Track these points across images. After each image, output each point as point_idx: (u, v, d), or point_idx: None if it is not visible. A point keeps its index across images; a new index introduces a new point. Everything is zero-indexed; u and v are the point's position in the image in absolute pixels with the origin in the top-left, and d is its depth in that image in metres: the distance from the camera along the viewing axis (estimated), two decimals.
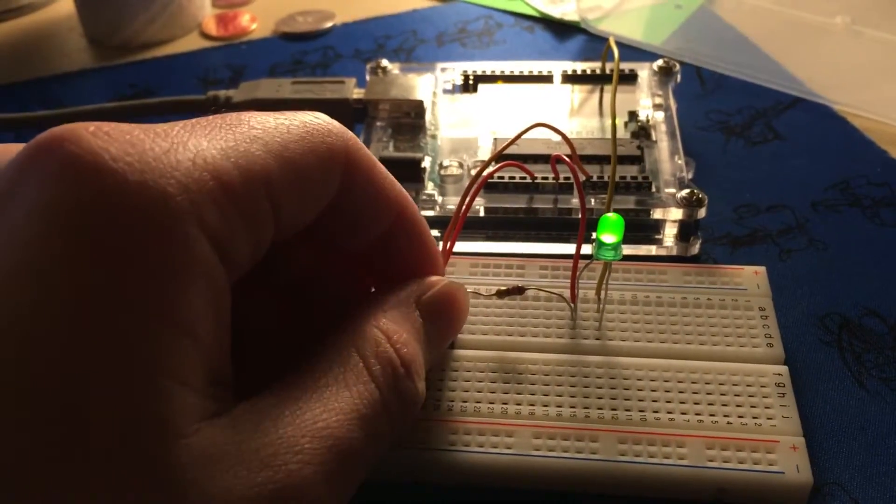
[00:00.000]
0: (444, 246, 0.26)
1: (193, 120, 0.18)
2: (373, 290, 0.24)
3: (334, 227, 0.21)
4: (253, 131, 0.18)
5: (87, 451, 0.14)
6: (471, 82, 0.36)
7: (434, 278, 0.22)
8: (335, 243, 0.22)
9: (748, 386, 0.24)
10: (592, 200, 0.29)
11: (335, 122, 0.20)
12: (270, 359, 0.21)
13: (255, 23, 0.47)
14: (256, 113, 0.19)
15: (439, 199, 0.30)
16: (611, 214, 0.24)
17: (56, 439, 0.14)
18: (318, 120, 0.19)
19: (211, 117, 0.18)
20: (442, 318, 0.22)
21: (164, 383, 0.15)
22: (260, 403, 0.17)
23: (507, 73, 0.36)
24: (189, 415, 0.15)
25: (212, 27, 0.47)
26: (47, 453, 0.14)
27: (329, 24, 0.47)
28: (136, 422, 0.15)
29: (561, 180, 0.30)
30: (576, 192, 0.30)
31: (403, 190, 0.22)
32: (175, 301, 0.15)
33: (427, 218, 0.30)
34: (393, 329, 0.20)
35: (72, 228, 0.15)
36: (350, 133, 0.20)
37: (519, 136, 0.27)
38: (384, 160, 0.31)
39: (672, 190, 0.30)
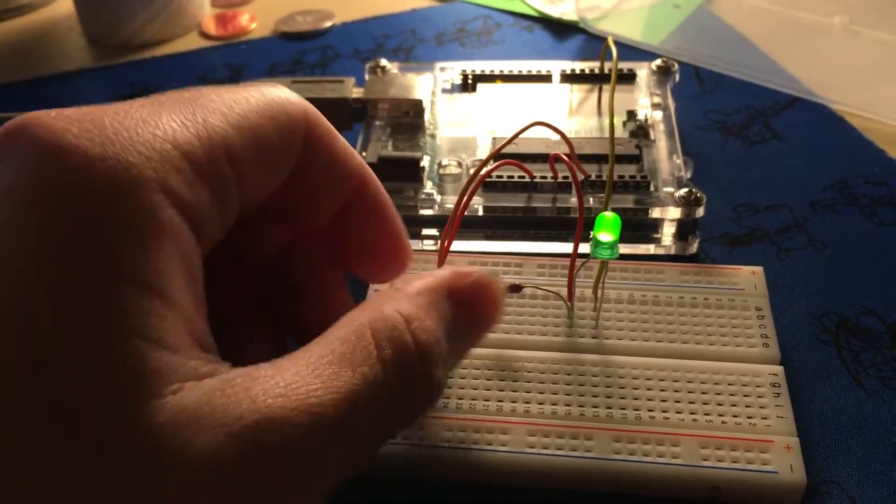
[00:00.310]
0: (442, 244, 0.26)
1: (153, 96, 0.18)
2: (342, 270, 0.24)
3: (296, 196, 0.21)
4: (212, 103, 0.18)
5: (60, 415, 0.15)
6: (470, 82, 0.36)
7: (469, 268, 0.21)
8: (298, 215, 0.22)
9: (743, 386, 0.24)
10: (591, 199, 0.29)
11: (293, 93, 0.20)
12: (258, 332, 0.22)
13: (254, 22, 0.47)
14: (215, 87, 0.19)
15: (438, 198, 0.30)
16: (607, 213, 0.24)
17: (28, 406, 0.14)
18: (277, 90, 0.20)
19: (170, 92, 0.18)
20: (475, 310, 0.21)
21: (136, 343, 0.15)
22: (256, 371, 0.17)
23: (506, 72, 0.36)
24: (166, 375, 0.16)
25: (211, 27, 0.47)
26: (19, 420, 0.14)
27: (328, 24, 0.47)
28: (109, 382, 0.15)
29: (559, 179, 0.30)
30: (574, 191, 0.30)
31: (364, 162, 0.22)
32: (144, 264, 0.16)
33: (426, 217, 0.30)
34: (415, 314, 0.19)
35: (40, 204, 0.15)
36: (308, 103, 0.20)
37: (518, 135, 0.27)
38: (383, 159, 0.31)
39: (670, 189, 0.30)
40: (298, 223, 0.22)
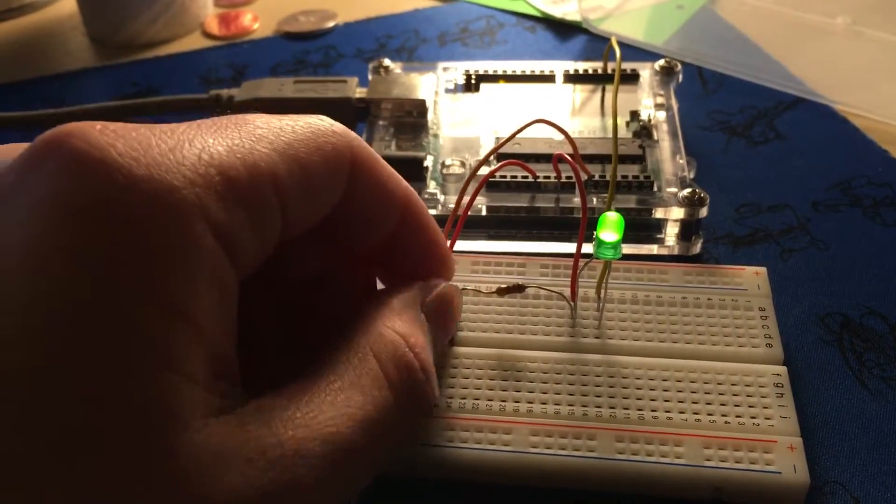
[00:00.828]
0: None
1: (199, 121, 0.18)
2: (380, 287, 0.24)
3: (343, 226, 0.21)
4: (258, 130, 0.18)
5: (92, 445, 0.14)
6: (473, 82, 0.36)
7: (434, 281, 0.23)
8: (344, 243, 0.22)
9: (747, 386, 0.24)
10: (594, 199, 0.29)
11: (339, 124, 0.20)
12: (280, 359, 0.22)
13: (256, 22, 0.47)
14: (261, 115, 0.19)
15: (441, 197, 0.30)
16: (611, 213, 0.24)
17: (60, 434, 0.14)
18: (323, 121, 0.20)
19: (216, 118, 0.18)
20: (441, 321, 0.22)
21: (169, 376, 0.15)
22: (270, 402, 0.17)
23: (509, 72, 0.36)
24: (196, 409, 0.15)
25: (214, 27, 0.47)
26: (51, 448, 0.14)
27: (331, 24, 0.47)
28: (142, 414, 0.15)
29: (563, 179, 0.30)
30: (578, 191, 0.30)
31: (409, 185, 0.22)
32: (179, 294, 0.15)
33: None
34: (409, 332, 0.20)
35: (78, 221, 0.15)
36: (354, 133, 0.20)
37: (518, 132, 0.27)
38: (386, 159, 0.31)
39: (674, 189, 0.30)
40: (344, 248, 0.22)
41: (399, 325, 0.20)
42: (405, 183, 0.22)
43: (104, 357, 0.15)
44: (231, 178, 0.17)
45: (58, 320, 0.15)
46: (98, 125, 0.16)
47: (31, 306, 0.15)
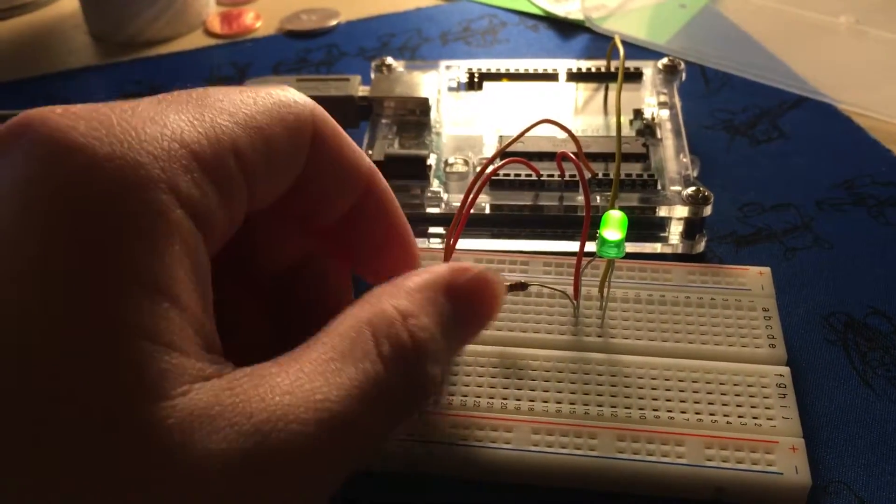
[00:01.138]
0: (448, 242, 0.26)
1: (160, 95, 0.18)
2: (351, 269, 0.24)
3: (304, 197, 0.21)
4: (219, 104, 0.18)
5: (69, 420, 0.14)
6: (476, 80, 0.36)
7: (467, 264, 0.22)
8: (306, 216, 0.22)
9: (749, 386, 0.24)
10: (598, 198, 0.29)
11: (301, 94, 0.20)
12: (258, 345, 0.21)
13: (259, 21, 0.47)
14: (222, 87, 0.19)
15: (444, 196, 0.30)
16: (614, 211, 0.24)
17: (34, 407, 0.14)
18: (284, 91, 0.20)
19: (177, 92, 0.18)
20: (474, 307, 0.21)
21: (144, 345, 0.15)
22: (261, 370, 0.17)
23: (512, 70, 0.36)
24: (175, 376, 0.15)
25: (216, 25, 0.47)
26: (24, 422, 0.14)
27: (333, 23, 0.47)
28: (116, 384, 0.15)
29: (566, 178, 0.30)
30: (581, 189, 0.30)
31: (372, 163, 0.22)
32: (151, 265, 0.16)
33: (432, 215, 0.30)
34: (411, 311, 0.19)
35: (45, 203, 0.15)
36: (315, 103, 0.20)
37: (525, 132, 0.26)
38: (390, 157, 0.31)
39: (677, 188, 0.30)
40: (307, 224, 0.22)
41: (403, 304, 0.19)
42: (369, 161, 0.22)
43: (77, 332, 0.15)
44: (194, 151, 0.17)
45: (30, 298, 0.15)
46: (59, 109, 0.16)
47: (5, 286, 0.15)
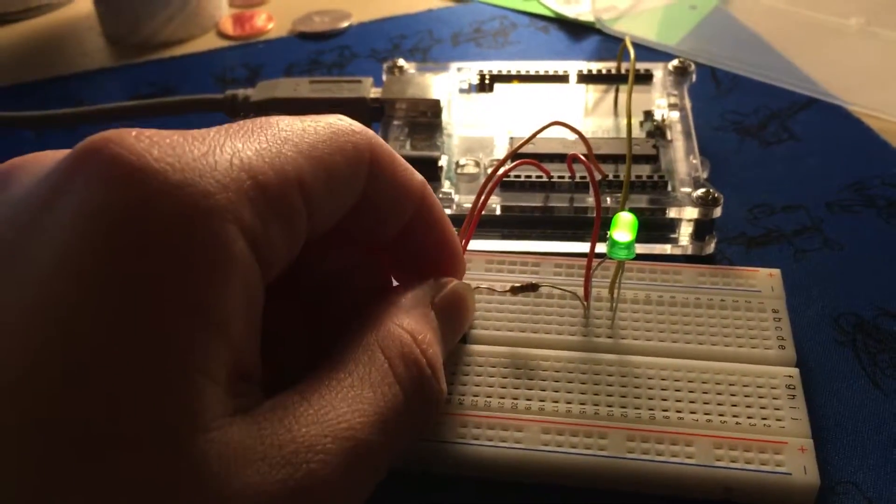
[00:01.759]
0: (459, 243, 0.26)
1: (226, 125, 0.18)
2: (395, 283, 0.24)
3: (360, 220, 0.21)
4: (283, 133, 0.18)
5: (114, 443, 0.15)
6: (487, 82, 0.36)
7: (445, 279, 0.23)
8: (361, 236, 0.22)
9: (758, 387, 0.24)
10: (608, 199, 0.29)
11: (357, 123, 0.20)
12: (295, 355, 0.22)
13: (271, 22, 0.48)
14: (283, 117, 0.19)
15: (456, 197, 0.30)
16: (624, 213, 0.25)
17: (83, 432, 0.15)
18: (342, 121, 0.20)
19: (242, 122, 0.19)
20: (453, 319, 0.23)
21: (194, 378, 0.15)
22: (285, 401, 0.17)
23: (522, 72, 0.36)
24: (215, 410, 0.16)
25: (228, 27, 0.47)
26: (74, 445, 0.14)
27: (345, 24, 0.47)
28: (165, 415, 0.15)
29: (577, 179, 0.30)
30: (591, 190, 0.30)
31: (423, 179, 0.22)
32: (210, 298, 0.16)
33: None
34: (418, 329, 0.20)
35: (115, 225, 0.15)
36: (371, 131, 0.21)
37: (536, 134, 0.27)
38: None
39: (687, 189, 0.30)
40: (362, 243, 0.22)
41: (407, 322, 0.20)
42: (420, 177, 0.22)
43: (131, 358, 0.15)
44: (260, 182, 0.17)
45: (89, 321, 0.15)
46: (134, 132, 0.16)
47: (70, 310, 0.15)
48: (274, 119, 0.19)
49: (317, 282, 0.23)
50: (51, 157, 0.18)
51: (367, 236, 0.22)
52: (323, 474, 0.17)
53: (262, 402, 0.17)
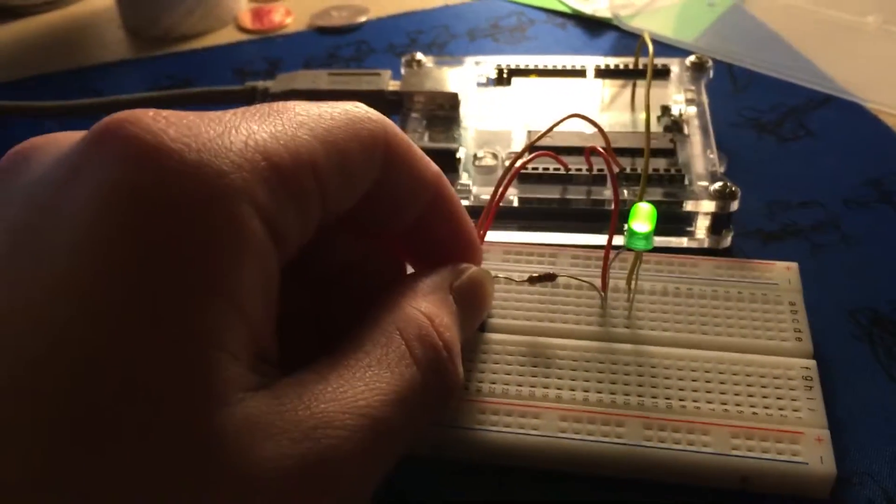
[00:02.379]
0: (477, 234, 0.26)
1: (242, 108, 0.18)
2: (409, 271, 0.24)
3: (375, 208, 0.21)
4: (299, 117, 0.19)
5: (136, 414, 0.15)
6: (505, 76, 0.36)
7: (464, 265, 0.23)
8: (376, 225, 0.22)
9: (775, 378, 0.24)
10: (625, 192, 0.30)
11: (373, 110, 0.20)
12: (309, 339, 0.22)
13: (289, 17, 0.48)
14: (300, 102, 0.19)
15: (474, 189, 0.31)
16: (643, 203, 0.25)
17: (107, 403, 0.15)
18: (359, 108, 0.20)
19: (258, 105, 0.19)
20: (472, 304, 0.23)
21: (211, 353, 0.16)
22: (303, 378, 0.18)
23: (540, 67, 0.36)
24: (234, 384, 0.16)
25: (247, 20, 0.48)
26: (95, 419, 0.15)
27: (363, 19, 0.47)
28: (184, 388, 0.15)
29: (595, 172, 0.30)
30: (609, 183, 0.30)
31: (439, 169, 0.22)
32: (227, 275, 0.16)
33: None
34: (435, 313, 0.20)
35: (133, 204, 0.16)
36: (388, 119, 0.21)
37: (554, 127, 0.27)
38: None
39: (704, 183, 0.30)
40: (377, 231, 0.23)
41: (425, 306, 0.21)
42: (436, 167, 0.22)
43: (149, 334, 0.15)
44: (275, 163, 0.17)
45: (107, 299, 0.15)
46: (151, 112, 0.17)
47: (87, 285, 0.15)
48: (291, 104, 0.19)
49: (331, 267, 0.23)
50: (68, 138, 0.18)
51: (382, 224, 0.22)
52: (341, 450, 0.17)
53: (281, 378, 0.17)
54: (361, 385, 0.18)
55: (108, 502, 0.15)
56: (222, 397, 0.16)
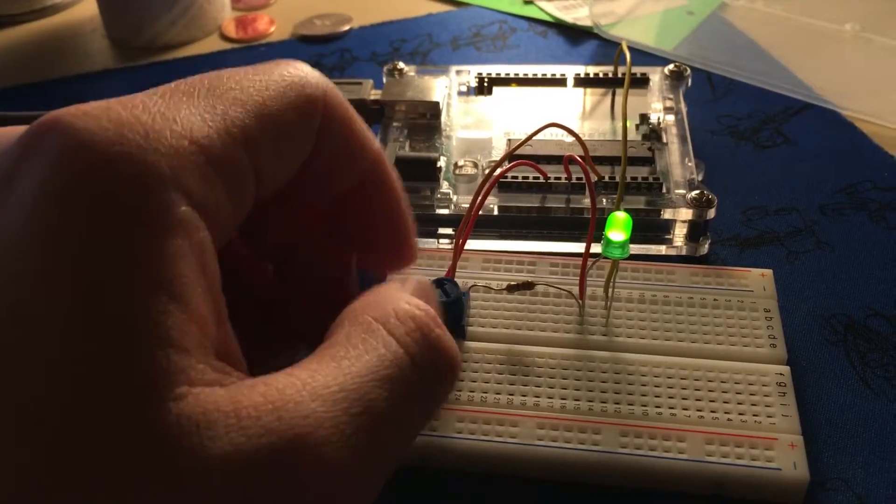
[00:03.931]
0: (457, 243, 0.27)
1: (173, 84, 0.18)
2: (353, 255, 0.23)
3: (308, 176, 0.20)
4: (231, 92, 0.18)
5: (78, 414, 0.15)
6: (485, 85, 0.36)
7: (405, 277, 0.21)
8: (309, 195, 0.21)
9: (750, 384, 0.25)
10: (604, 200, 0.30)
11: (313, 71, 0.20)
12: (262, 325, 0.22)
13: (273, 26, 0.48)
14: (234, 70, 0.19)
15: (454, 197, 0.31)
16: (619, 213, 0.25)
17: (45, 404, 0.15)
18: (296, 70, 0.19)
19: (189, 80, 0.18)
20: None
21: (147, 345, 0.15)
22: (268, 377, 0.17)
23: (521, 75, 0.37)
24: (178, 378, 0.15)
25: (231, 30, 0.48)
26: (34, 421, 0.15)
27: (346, 28, 0.47)
28: (123, 383, 0.15)
29: (573, 180, 0.30)
30: (587, 191, 0.30)
31: (380, 149, 0.22)
32: (157, 263, 0.16)
33: (442, 216, 0.31)
34: (416, 301, 0.19)
35: (58, 203, 0.15)
36: (328, 81, 0.20)
37: (532, 136, 0.27)
38: (400, 160, 0.32)
39: (682, 191, 0.30)
40: (308, 201, 0.22)
41: (406, 297, 0.19)
42: (379, 146, 0.21)
43: (84, 330, 0.15)
44: (204, 146, 0.17)
45: (44, 297, 0.15)
46: (73, 108, 0.16)
47: (22, 284, 0.15)
48: (224, 74, 0.18)
49: (271, 249, 0.23)
50: (7, 134, 0.18)
51: (315, 193, 0.21)
52: (316, 436, 0.16)
53: (244, 378, 0.17)
54: (335, 372, 0.17)
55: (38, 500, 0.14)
56: (164, 391, 0.15)
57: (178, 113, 0.17)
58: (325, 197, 0.22)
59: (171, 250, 0.16)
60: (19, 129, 0.17)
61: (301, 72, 0.19)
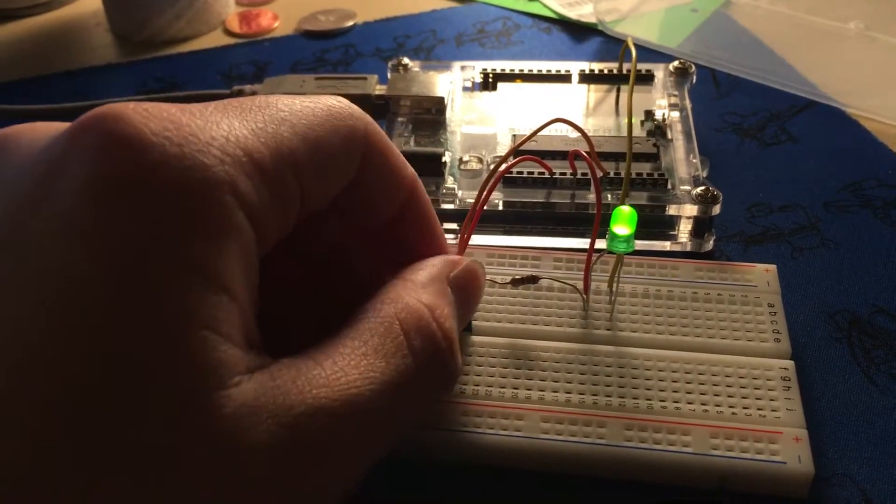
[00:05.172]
0: (462, 238, 0.27)
1: (224, 101, 0.19)
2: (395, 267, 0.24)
3: (352, 204, 0.21)
4: (281, 113, 0.19)
5: (132, 403, 0.15)
6: (490, 80, 0.36)
7: (457, 257, 0.23)
8: (353, 220, 0.22)
9: (754, 379, 0.25)
10: (609, 196, 0.30)
11: (355, 106, 0.21)
12: (302, 326, 0.22)
13: (277, 21, 0.48)
14: (283, 96, 0.20)
15: (459, 192, 0.31)
16: (624, 207, 0.25)
17: (100, 391, 0.15)
18: (341, 103, 0.20)
19: (241, 99, 0.19)
20: (468, 295, 0.23)
21: (205, 335, 0.16)
22: (298, 363, 0.18)
23: (525, 71, 0.37)
24: (230, 367, 0.16)
25: (235, 25, 0.48)
26: (91, 409, 0.15)
27: (350, 23, 0.47)
28: (179, 373, 0.15)
29: (578, 176, 0.30)
30: (593, 187, 0.30)
31: (415, 173, 0.23)
32: (214, 260, 0.16)
33: (447, 211, 0.31)
34: (435, 304, 0.21)
35: (115, 196, 0.16)
36: (368, 116, 0.21)
37: (538, 131, 0.27)
38: (406, 154, 0.31)
39: (687, 187, 0.30)
40: (352, 226, 0.23)
41: (425, 297, 0.21)
42: (412, 170, 0.23)
43: (142, 320, 0.15)
44: (256, 159, 0.18)
45: (95, 286, 0.15)
46: (132, 105, 0.17)
47: (75, 276, 0.15)
48: (273, 98, 0.19)
49: (313, 260, 0.23)
50: (46, 129, 0.18)
51: (359, 219, 0.22)
52: (331, 436, 0.17)
53: (275, 363, 0.18)
54: (355, 373, 0.18)
55: (108, 485, 0.15)
56: (220, 380, 0.16)
57: (232, 125, 0.18)
58: (371, 220, 0.23)
59: (224, 248, 0.17)
60: (56, 125, 0.18)
61: (345, 103, 0.21)
